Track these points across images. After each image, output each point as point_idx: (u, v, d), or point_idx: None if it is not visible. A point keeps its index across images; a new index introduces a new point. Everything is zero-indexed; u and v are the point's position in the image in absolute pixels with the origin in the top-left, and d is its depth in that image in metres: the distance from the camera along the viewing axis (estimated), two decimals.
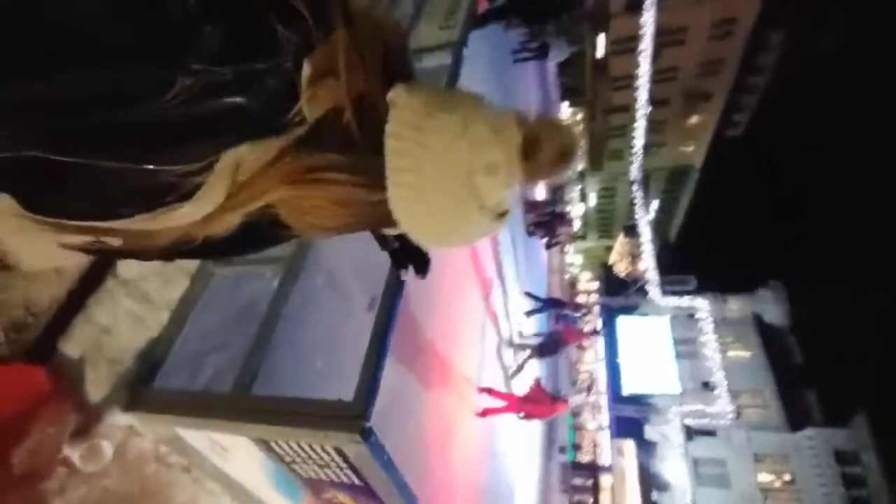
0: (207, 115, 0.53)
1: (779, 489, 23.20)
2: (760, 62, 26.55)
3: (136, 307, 1.97)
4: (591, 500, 24.47)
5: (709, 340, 25.63)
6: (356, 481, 1.72)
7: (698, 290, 28.06)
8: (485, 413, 7.56)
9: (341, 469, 1.69)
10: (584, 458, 24.63)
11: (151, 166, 0.54)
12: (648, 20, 22.62)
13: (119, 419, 1.89)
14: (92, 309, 1.80)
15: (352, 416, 1.49)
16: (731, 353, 26.06)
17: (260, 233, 0.66)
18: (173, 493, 2.14)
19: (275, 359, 1.93)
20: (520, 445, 11.74)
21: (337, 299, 3.00)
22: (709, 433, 24.36)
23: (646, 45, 23.43)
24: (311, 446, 1.64)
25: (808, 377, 25.23)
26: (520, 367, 10.34)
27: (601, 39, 24.04)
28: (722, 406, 24.08)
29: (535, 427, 15.22)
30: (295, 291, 2.01)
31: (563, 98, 25.29)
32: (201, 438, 1.98)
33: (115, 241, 0.64)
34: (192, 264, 2.15)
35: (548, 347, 11.05)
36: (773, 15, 23.59)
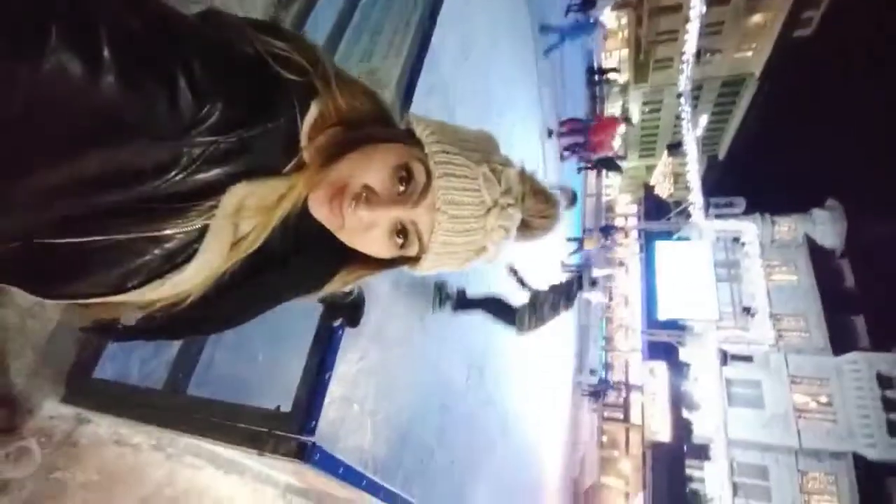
0: (208, 182, 0.53)
1: (813, 410, 23.22)
2: None
3: None
4: (622, 416, 25.31)
5: (753, 264, 24.62)
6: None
7: (747, 212, 26.61)
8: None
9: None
10: (615, 377, 25.16)
11: (158, 233, 0.54)
12: None
13: (61, 409, 1.70)
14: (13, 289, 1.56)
15: (290, 431, 1.24)
16: (777, 277, 25.11)
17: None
18: (146, 472, 2.02)
19: (218, 347, 1.71)
20: (552, 365, 11.91)
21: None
22: (745, 358, 24.18)
23: None
24: None
25: (858, 301, 24.22)
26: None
27: None
28: (761, 332, 23.60)
29: (568, 347, 15.37)
30: None
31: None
32: None
33: (131, 316, 0.64)
34: None
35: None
36: None
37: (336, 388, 3.29)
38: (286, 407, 1.35)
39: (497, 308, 5.35)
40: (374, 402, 3.66)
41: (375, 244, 0.62)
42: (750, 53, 27.32)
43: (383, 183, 0.59)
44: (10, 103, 0.43)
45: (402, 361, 4.22)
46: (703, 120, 27.96)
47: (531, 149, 10.09)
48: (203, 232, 0.56)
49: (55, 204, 0.51)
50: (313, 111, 0.58)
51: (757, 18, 25.79)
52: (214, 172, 0.53)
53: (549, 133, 11.66)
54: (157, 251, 0.56)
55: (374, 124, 0.64)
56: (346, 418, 3.32)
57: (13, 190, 0.50)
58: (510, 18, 8.40)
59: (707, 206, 26.45)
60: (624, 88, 27.61)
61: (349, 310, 1.17)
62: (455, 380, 5.64)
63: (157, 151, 0.50)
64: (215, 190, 0.54)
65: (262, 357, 2.39)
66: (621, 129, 12.94)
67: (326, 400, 1.38)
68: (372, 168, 0.59)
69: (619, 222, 25.46)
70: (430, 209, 0.60)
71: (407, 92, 1.85)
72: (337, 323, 1.28)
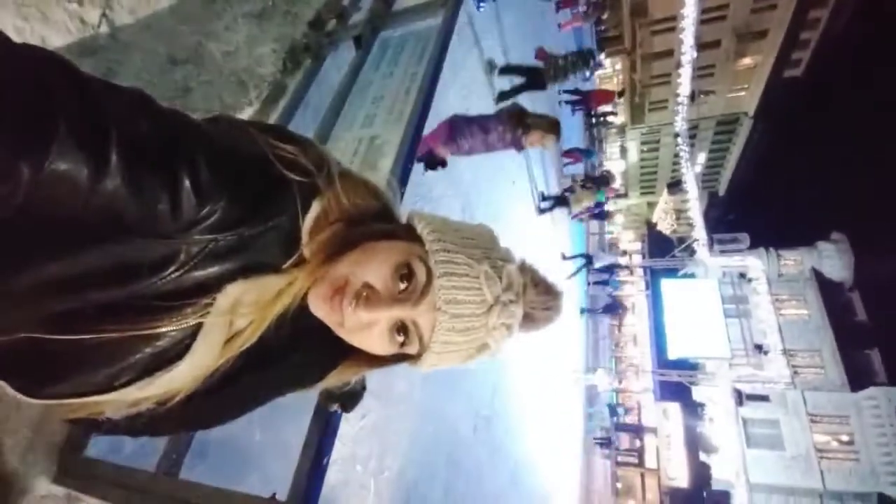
0: (206, 279, 0.53)
1: (835, 449, 22.34)
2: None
3: None
4: (637, 461, 24.39)
5: (762, 300, 24.33)
6: None
7: (751, 247, 26.53)
8: None
9: None
10: (628, 420, 24.42)
11: (152, 332, 0.53)
12: None
13: (52, 489, 1.64)
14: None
15: None
16: (787, 312, 24.75)
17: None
18: None
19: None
20: (561, 413, 11.58)
21: None
22: (761, 397, 23.50)
23: None
24: None
25: (872, 335, 23.73)
26: None
27: None
28: (776, 370, 23.04)
29: (577, 395, 15.02)
30: None
31: (600, 48, 23.49)
32: None
33: (116, 413, 0.61)
34: None
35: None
36: None
37: (338, 449, 3.20)
38: (282, 491, 1.28)
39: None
40: (378, 462, 3.53)
41: (376, 342, 0.61)
42: (743, 94, 28.01)
43: (384, 281, 0.59)
44: (8, 201, 0.41)
45: (406, 417, 4.11)
46: (702, 158, 28.36)
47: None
48: (197, 329, 0.55)
49: (48, 299, 0.50)
50: (315, 209, 0.58)
51: (747, 61, 26.59)
52: (212, 270, 0.52)
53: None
54: (148, 349, 0.54)
55: (376, 220, 0.64)
56: (349, 481, 3.20)
57: (7, 284, 0.49)
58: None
59: (711, 242, 26.42)
60: (621, 130, 28.18)
61: (347, 397, 1.15)
62: (462, 431, 5.47)
63: (155, 248, 0.49)
64: (212, 287, 0.53)
65: (259, 434, 2.32)
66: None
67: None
68: (373, 266, 0.59)
69: (622, 260, 25.38)
70: (430, 308, 0.59)
71: (407, 157, 1.88)
72: (333, 409, 1.25)
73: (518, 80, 7.10)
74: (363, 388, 1.09)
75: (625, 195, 29.69)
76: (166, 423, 0.65)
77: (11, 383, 0.57)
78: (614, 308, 20.80)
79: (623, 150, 30.13)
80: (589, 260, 15.31)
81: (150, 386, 0.57)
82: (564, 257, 13.66)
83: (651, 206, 32.12)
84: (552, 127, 3.95)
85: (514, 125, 3.84)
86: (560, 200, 11.41)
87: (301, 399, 1.53)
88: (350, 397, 1.14)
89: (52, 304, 0.51)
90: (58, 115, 0.42)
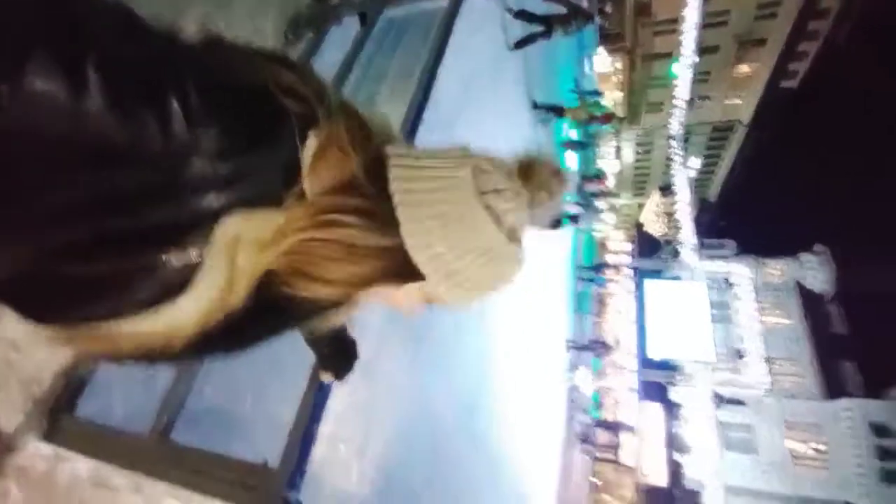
0: (207, 209, 0.53)
1: (809, 457, 22.87)
2: (825, 4, 24.00)
3: None
4: (614, 458, 24.77)
5: (745, 307, 24.73)
6: None
7: (737, 254, 26.90)
8: None
9: None
10: (608, 416, 24.74)
11: (155, 263, 0.54)
12: None
13: (41, 447, 1.64)
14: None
15: (277, 487, 1.22)
16: (768, 320, 25.18)
17: (271, 309, 0.62)
18: None
19: (206, 384, 1.70)
20: (541, 409, 11.72)
21: None
22: (738, 402, 23.94)
23: None
24: None
25: (850, 347, 24.25)
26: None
27: None
28: (755, 375, 23.49)
29: (559, 388, 15.20)
30: None
31: (600, 42, 23.32)
32: None
33: (127, 345, 0.61)
34: None
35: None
36: None
37: (324, 426, 3.24)
38: (273, 456, 1.31)
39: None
40: (362, 442, 3.57)
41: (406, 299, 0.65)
42: (739, 101, 28.23)
43: None
44: None
45: (391, 399, 4.14)
46: (695, 163, 28.61)
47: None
48: (200, 265, 0.56)
49: (49, 230, 0.51)
50: (314, 141, 0.58)
51: (745, 68, 26.78)
52: (211, 200, 0.52)
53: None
54: (151, 281, 0.55)
55: (375, 153, 0.62)
56: (332, 459, 3.23)
57: (7, 214, 0.50)
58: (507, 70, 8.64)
59: (699, 246, 26.73)
60: (617, 130, 28.31)
61: (340, 363, 1.16)
62: (445, 418, 5.53)
63: (152, 177, 0.50)
64: (212, 219, 0.54)
65: (250, 405, 2.34)
66: None
67: None
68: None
69: (610, 259, 25.61)
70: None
71: (408, 137, 1.89)
72: (327, 380, 1.26)
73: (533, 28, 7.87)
74: (356, 355, 1.10)
75: (617, 195, 29.88)
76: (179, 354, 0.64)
77: (18, 309, 0.58)
78: (596, 346, 20.55)
79: (618, 150, 30.27)
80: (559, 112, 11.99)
81: (155, 318, 0.57)
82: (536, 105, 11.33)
83: (642, 208, 32.39)
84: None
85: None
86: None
87: (294, 370, 1.55)
88: (343, 362, 1.14)
89: (54, 233, 0.51)
90: (35, 34, 0.42)
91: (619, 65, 25.78)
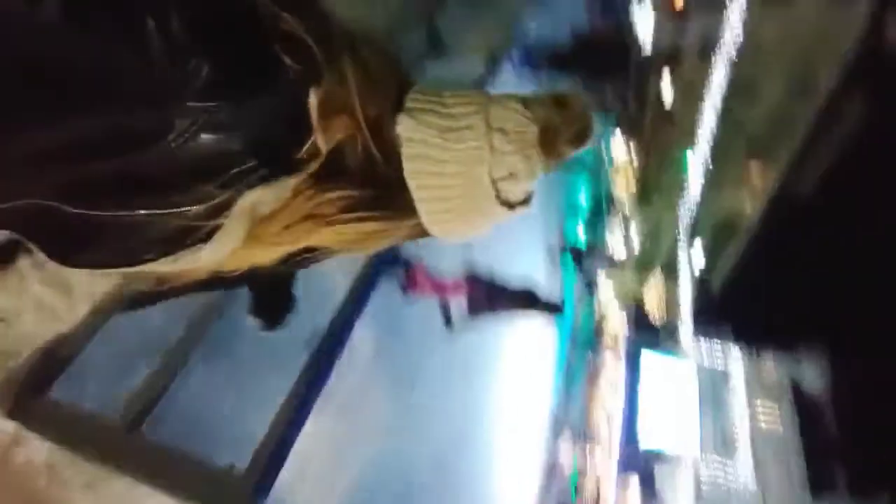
0: (210, 155, 0.51)
1: None
2: (837, 126, 25.11)
3: (50, 296, 1.61)
4: None
5: (737, 399, 24.52)
6: None
7: (734, 344, 26.89)
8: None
9: None
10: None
11: (161, 212, 0.53)
12: (719, 68, 21.97)
13: (3, 424, 1.58)
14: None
15: (243, 493, 1.29)
16: (759, 414, 24.86)
17: (300, 259, 0.67)
18: None
19: (182, 388, 1.66)
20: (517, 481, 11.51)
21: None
22: (721, 493, 23.30)
23: (714, 95, 22.77)
24: None
25: (838, 448, 23.76)
26: None
27: (666, 79, 23.53)
28: (741, 468, 22.95)
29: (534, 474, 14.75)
30: (226, 317, 1.73)
31: (617, 124, 24.42)
32: None
33: (144, 283, 0.66)
34: None
35: None
36: (855, 81, 22.21)
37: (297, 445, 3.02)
38: (241, 463, 1.38)
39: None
40: (330, 474, 3.45)
41: None
42: (748, 200, 29.05)
43: None
44: None
45: (367, 437, 4.05)
46: (700, 251, 29.21)
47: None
48: (215, 212, 0.54)
49: (50, 167, 0.50)
50: (314, 99, 0.56)
51: (755, 170, 27.74)
52: (210, 140, 0.50)
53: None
54: (170, 227, 0.54)
55: (388, 106, 0.61)
56: (296, 483, 3.05)
57: (5, 149, 0.49)
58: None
59: (696, 334, 26.83)
60: (626, 207, 29.25)
61: (275, 308, 1.10)
62: (419, 472, 5.22)
63: (147, 116, 0.48)
64: (217, 168, 0.52)
65: (228, 406, 2.33)
66: None
67: None
68: None
69: (609, 330, 25.69)
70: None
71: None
72: (253, 322, 1.15)
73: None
74: (291, 308, 1.07)
75: (620, 267, 30.35)
76: (241, 279, 0.68)
77: (43, 248, 0.58)
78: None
79: (626, 229, 31.08)
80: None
81: (174, 264, 0.58)
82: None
83: (643, 285, 32.73)
84: (555, 308, 4.34)
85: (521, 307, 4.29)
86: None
87: (276, 377, 1.71)
88: (276, 311, 1.09)
89: (55, 172, 0.50)
90: None
91: (633, 150, 26.97)
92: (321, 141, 0.57)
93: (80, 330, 1.65)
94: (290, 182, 0.57)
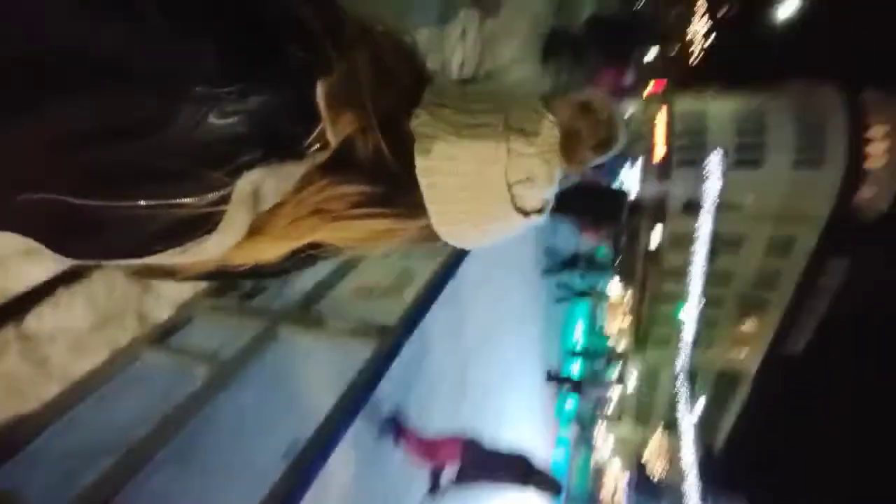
0: (217, 142, 0.51)
1: None
2: (821, 285, 26.12)
3: (24, 370, 1.54)
4: None
5: None
6: None
7: None
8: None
9: None
10: None
11: (167, 201, 0.52)
12: (705, 224, 23.63)
13: None
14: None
15: None
16: None
17: (305, 256, 0.65)
18: None
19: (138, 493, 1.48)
20: None
21: (259, 422, 2.46)
22: None
23: (700, 247, 24.16)
24: None
25: None
26: None
27: (657, 231, 25.12)
28: None
29: None
30: (218, 400, 1.64)
31: (614, 272, 25.32)
32: None
33: (153, 275, 0.66)
34: (121, 337, 1.84)
35: None
36: (836, 242, 23.71)
37: None
38: None
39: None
40: None
41: None
42: (743, 355, 28.89)
43: None
44: None
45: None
46: (700, 405, 28.14)
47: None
48: (223, 202, 0.53)
49: (56, 156, 0.49)
50: (321, 91, 0.55)
51: (748, 326, 27.98)
52: (218, 126, 0.50)
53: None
54: (177, 218, 0.53)
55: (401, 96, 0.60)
56: None
57: (9, 135, 0.48)
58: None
59: (703, 498, 24.55)
60: (623, 355, 28.94)
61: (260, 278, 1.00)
62: None
63: (152, 101, 0.48)
64: (225, 155, 0.51)
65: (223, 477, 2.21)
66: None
67: None
68: None
69: (607, 489, 23.58)
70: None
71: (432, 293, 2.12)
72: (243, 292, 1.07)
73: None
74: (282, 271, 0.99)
75: (618, 419, 28.95)
76: (246, 275, 0.66)
77: (47, 243, 0.57)
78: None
79: (622, 376, 30.41)
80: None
81: (182, 255, 0.56)
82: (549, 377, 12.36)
83: (643, 438, 30.88)
84: (552, 486, 4.24)
85: (518, 477, 4.16)
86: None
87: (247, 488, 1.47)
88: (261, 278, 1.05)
89: (60, 159, 0.49)
90: None
91: (629, 296, 27.61)
92: (330, 133, 0.56)
93: (43, 413, 1.54)
94: (296, 171, 0.55)
